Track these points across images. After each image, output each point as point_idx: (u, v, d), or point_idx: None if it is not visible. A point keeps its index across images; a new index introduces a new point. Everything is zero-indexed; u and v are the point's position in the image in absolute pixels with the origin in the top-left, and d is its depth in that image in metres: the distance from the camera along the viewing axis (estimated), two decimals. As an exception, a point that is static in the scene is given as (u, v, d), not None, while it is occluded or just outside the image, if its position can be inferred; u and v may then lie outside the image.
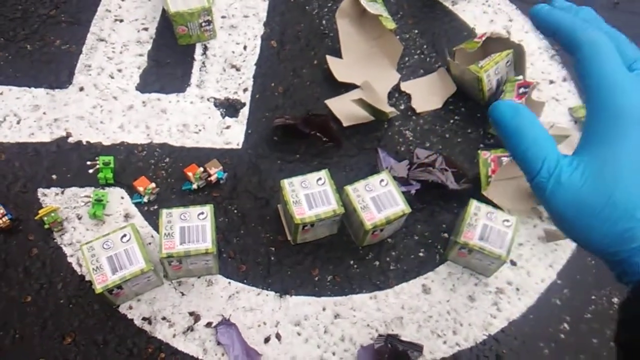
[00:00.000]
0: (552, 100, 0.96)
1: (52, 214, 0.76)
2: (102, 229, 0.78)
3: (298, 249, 0.79)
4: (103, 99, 0.90)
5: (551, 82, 0.98)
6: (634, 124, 0.29)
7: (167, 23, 0.99)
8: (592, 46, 0.30)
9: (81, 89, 0.91)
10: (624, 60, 0.30)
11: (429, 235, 0.81)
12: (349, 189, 0.75)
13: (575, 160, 0.30)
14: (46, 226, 0.76)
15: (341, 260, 0.78)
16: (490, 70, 0.87)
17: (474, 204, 0.75)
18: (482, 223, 0.73)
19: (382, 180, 0.76)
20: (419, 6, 1.07)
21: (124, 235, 0.70)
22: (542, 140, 0.30)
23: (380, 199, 0.75)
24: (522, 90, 0.86)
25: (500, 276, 0.77)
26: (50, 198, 0.80)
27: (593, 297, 0.78)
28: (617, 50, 0.30)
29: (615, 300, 0.77)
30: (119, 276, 0.67)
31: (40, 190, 0.81)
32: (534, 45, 1.03)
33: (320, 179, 0.76)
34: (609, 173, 0.29)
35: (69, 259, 0.76)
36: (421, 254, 0.80)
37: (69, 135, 0.86)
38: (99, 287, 0.66)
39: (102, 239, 0.69)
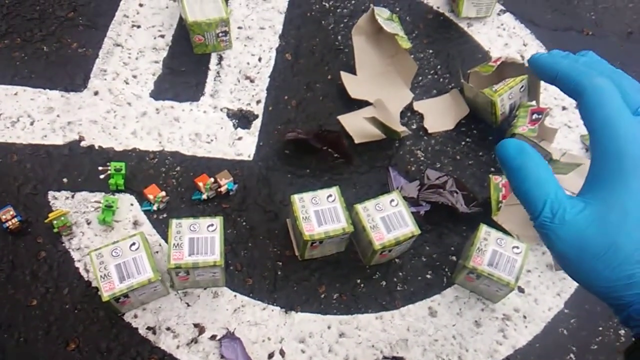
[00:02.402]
0: (564, 127, 0.96)
1: (62, 218, 0.76)
2: (110, 235, 0.78)
3: (305, 265, 0.79)
4: (117, 104, 0.90)
5: (564, 108, 0.99)
6: (639, 170, 0.29)
7: (183, 31, 0.99)
8: (596, 91, 0.30)
9: (96, 93, 0.91)
10: (629, 104, 0.30)
11: (437, 258, 0.81)
12: (359, 207, 0.75)
13: (581, 202, 0.30)
14: (55, 230, 0.76)
15: (348, 278, 0.78)
16: (504, 95, 0.87)
17: (483, 229, 0.75)
18: (491, 249, 0.73)
19: (392, 200, 0.76)
20: (435, 26, 1.07)
21: (133, 244, 0.70)
22: (546, 179, 0.30)
23: (390, 219, 0.74)
24: (535, 116, 0.86)
25: (508, 302, 0.77)
26: (61, 201, 0.80)
27: (600, 328, 0.77)
28: (622, 94, 0.30)
29: (622, 332, 0.77)
30: (127, 285, 0.67)
31: (50, 193, 0.81)
32: (548, 70, 1.03)
33: (330, 195, 0.76)
34: (613, 217, 0.29)
35: (77, 264, 0.76)
36: (428, 276, 0.79)
37: (81, 139, 0.86)
38: (106, 295, 0.66)
39: (111, 246, 0.69)
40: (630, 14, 1.15)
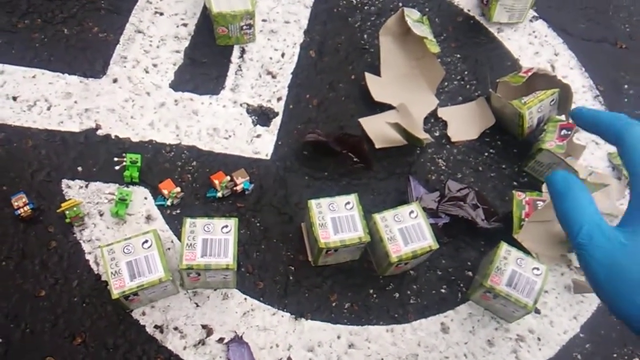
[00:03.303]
0: (591, 143, 0.93)
1: (75, 209, 0.75)
2: (122, 228, 0.77)
3: (318, 271, 0.77)
4: (136, 93, 0.89)
5: (592, 124, 0.95)
6: None
7: (206, 21, 0.97)
8: (635, 136, 0.34)
9: (115, 81, 0.89)
10: None
11: (453, 272, 0.79)
12: (378, 217, 0.73)
13: (619, 231, 0.33)
14: (67, 220, 0.75)
15: (360, 288, 0.77)
16: (533, 108, 0.84)
17: (504, 248, 0.72)
18: (511, 269, 0.71)
19: (411, 212, 0.74)
20: (464, 30, 1.04)
21: (146, 241, 0.68)
22: (586, 206, 0.34)
23: (408, 232, 0.73)
24: (564, 132, 0.83)
25: (522, 323, 0.75)
26: (74, 190, 0.79)
27: (615, 355, 0.75)
28: None
29: (638, 361, 0.75)
30: (137, 283, 0.66)
31: (64, 182, 0.80)
32: (578, 83, 1.00)
33: (348, 203, 0.74)
34: None
35: (87, 256, 0.75)
36: (443, 290, 0.78)
37: (98, 127, 0.85)
38: (115, 293, 0.65)
39: (123, 242, 0.68)
40: (667, 28, 1.11)
